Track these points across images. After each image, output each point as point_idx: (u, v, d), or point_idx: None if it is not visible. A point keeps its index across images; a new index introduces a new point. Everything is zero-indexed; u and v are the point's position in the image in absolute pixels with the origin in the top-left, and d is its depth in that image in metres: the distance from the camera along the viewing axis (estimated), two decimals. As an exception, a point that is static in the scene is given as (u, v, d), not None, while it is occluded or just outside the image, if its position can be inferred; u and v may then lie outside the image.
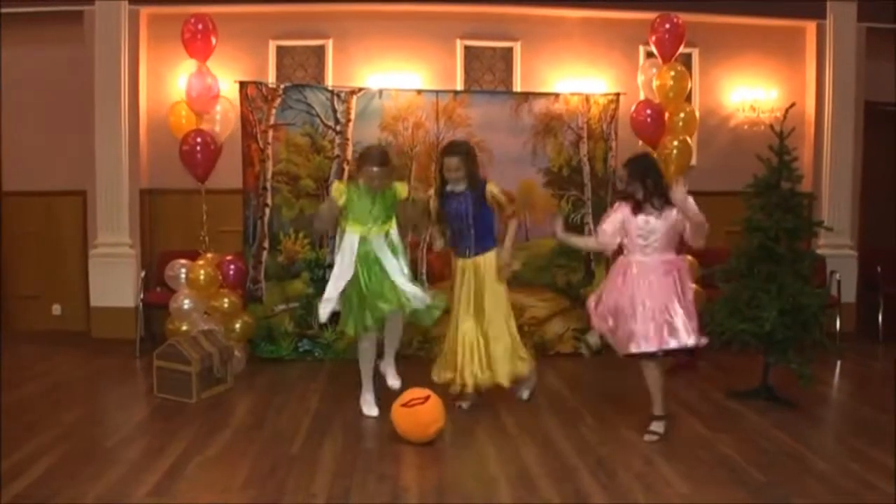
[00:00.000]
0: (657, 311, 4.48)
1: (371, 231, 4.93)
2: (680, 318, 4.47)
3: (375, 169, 4.87)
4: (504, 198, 5.07)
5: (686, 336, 4.47)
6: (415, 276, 5.51)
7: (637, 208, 4.60)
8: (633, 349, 4.51)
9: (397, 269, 4.93)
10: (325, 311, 4.96)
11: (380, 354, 5.17)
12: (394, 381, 5.09)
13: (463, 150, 5.03)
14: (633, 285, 4.56)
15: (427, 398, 4.54)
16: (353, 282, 4.89)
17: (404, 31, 7.27)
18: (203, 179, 6.42)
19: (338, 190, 4.97)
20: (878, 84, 7.58)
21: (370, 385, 5.13)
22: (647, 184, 4.57)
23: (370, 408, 5.09)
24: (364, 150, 5.29)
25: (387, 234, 4.99)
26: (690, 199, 4.44)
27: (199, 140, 6.29)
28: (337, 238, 5.11)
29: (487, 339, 5.04)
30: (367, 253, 4.91)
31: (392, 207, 5.03)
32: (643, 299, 4.51)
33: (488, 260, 5.07)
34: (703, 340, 4.59)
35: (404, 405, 4.52)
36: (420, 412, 4.48)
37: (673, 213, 4.53)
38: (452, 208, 5.05)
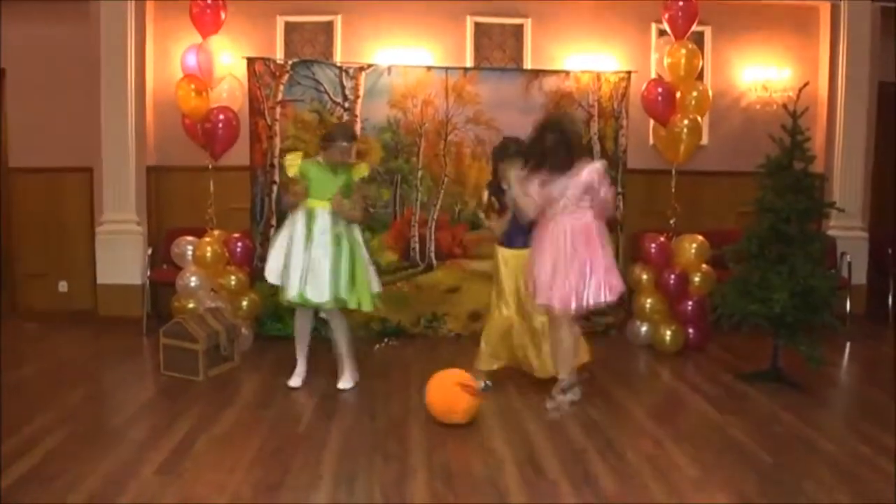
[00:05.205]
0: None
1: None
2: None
3: (345, 144, 4.99)
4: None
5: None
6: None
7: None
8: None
9: (363, 260, 5.06)
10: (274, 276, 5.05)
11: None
12: (345, 383, 5.17)
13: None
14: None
15: (476, 395, 4.53)
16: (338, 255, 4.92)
17: (413, 8, 7.17)
18: (219, 157, 6.41)
19: (292, 161, 5.06)
20: (892, 65, 7.47)
21: (304, 358, 5.22)
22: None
23: (296, 379, 5.17)
24: (331, 127, 5.48)
25: None
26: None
27: (221, 117, 6.28)
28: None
29: (536, 333, 5.08)
30: (335, 228, 4.96)
31: (352, 185, 5.07)
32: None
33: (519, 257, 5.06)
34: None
35: (460, 384, 4.47)
36: (462, 399, 4.43)
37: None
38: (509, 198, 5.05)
